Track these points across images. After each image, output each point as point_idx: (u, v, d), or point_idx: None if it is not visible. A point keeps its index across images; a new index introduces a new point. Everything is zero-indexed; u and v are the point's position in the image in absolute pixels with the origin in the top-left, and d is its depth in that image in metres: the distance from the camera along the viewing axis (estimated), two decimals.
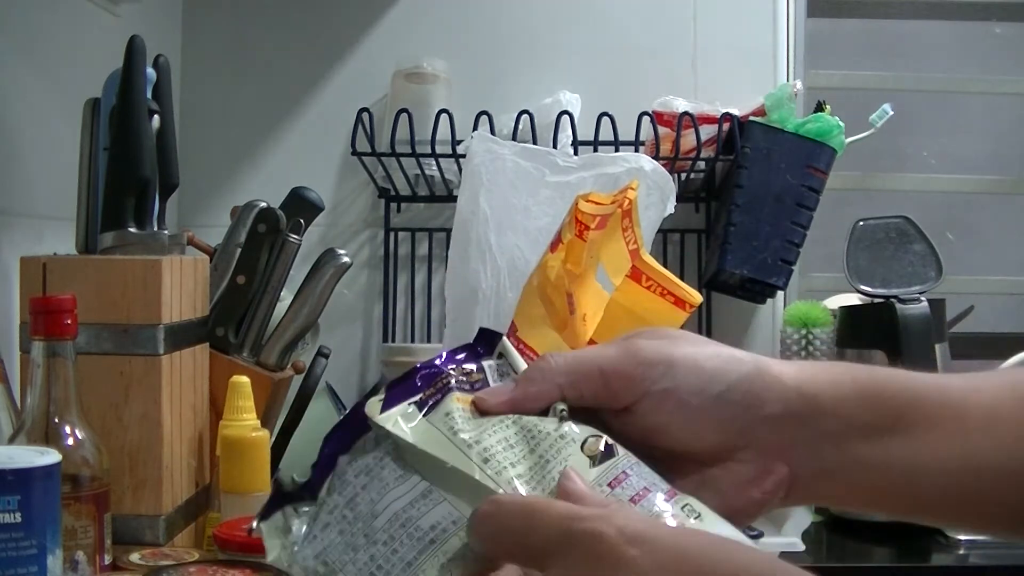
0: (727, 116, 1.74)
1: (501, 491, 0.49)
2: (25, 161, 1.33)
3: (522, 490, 0.49)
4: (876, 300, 1.62)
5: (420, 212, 1.87)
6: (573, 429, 0.52)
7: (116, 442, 0.98)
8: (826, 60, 2.03)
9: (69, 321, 0.87)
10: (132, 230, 1.10)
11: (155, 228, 1.14)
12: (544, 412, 0.53)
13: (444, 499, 0.50)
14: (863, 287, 1.63)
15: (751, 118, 1.74)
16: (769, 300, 1.81)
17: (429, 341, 1.83)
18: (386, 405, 0.53)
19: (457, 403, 0.53)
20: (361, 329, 1.86)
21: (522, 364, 0.56)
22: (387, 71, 1.83)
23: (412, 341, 1.84)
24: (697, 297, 1.17)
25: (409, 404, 0.53)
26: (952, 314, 1.71)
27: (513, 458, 0.51)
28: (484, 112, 1.72)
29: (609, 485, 0.50)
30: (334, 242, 1.78)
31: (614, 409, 0.54)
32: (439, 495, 0.50)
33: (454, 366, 0.55)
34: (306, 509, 0.52)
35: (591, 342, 1.13)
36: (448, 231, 1.65)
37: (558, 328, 1.13)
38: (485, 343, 0.56)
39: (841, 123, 1.71)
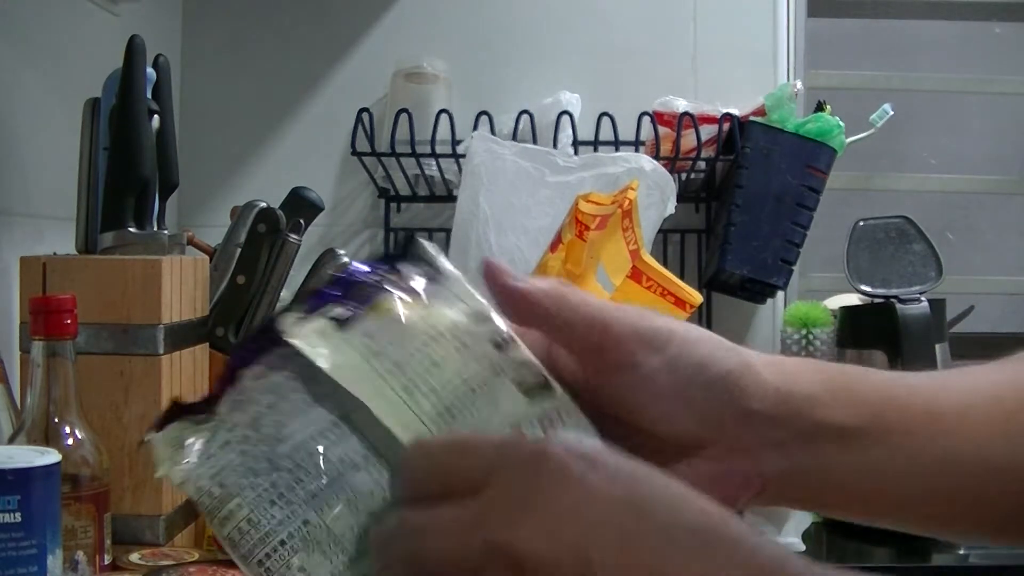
0: (727, 116, 1.74)
1: (421, 426, 0.46)
2: (25, 161, 1.33)
3: (440, 423, 0.46)
4: (876, 300, 1.62)
5: (420, 212, 1.87)
6: (510, 357, 0.48)
7: (116, 442, 0.98)
8: (826, 60, 2.03)
9: (69, 321, 0.87)
10: (132, 230, 1.10)
11: (155, 228, 1.14)
12: (496, 344, 0.49)
13: (356, 432, 0.46)
14: (863, 287, 1.63)
15: (751, 118, 1.73)
16: (769, 300, 1.81)
17: None
18: (302, 319, 0.48)
19: (379, 315, 0.48)
20: None
21: (447, 264, 0.51)
22: (387, 71, 1.83)
23: None
24: (697, 297, 1.17)
25: (327, 318, 0.48)
26: (952, 314, 1.71)
27: (436, 384, 0.47)
28: (484, 112, 1.73)
29: (539, 422, 0.47)
30: (334, 242, 1.78)
31: (596, 373, 0.52)
32: (351, 427, 0.46)
33: (375, 273, 0.49)
34: (204, 425, 0.47)
35: None
36: (448, 231, 1.65)
37: None
38: (402, 248, 0.51)
39: (841, 123, 1.71)
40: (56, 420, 0.87)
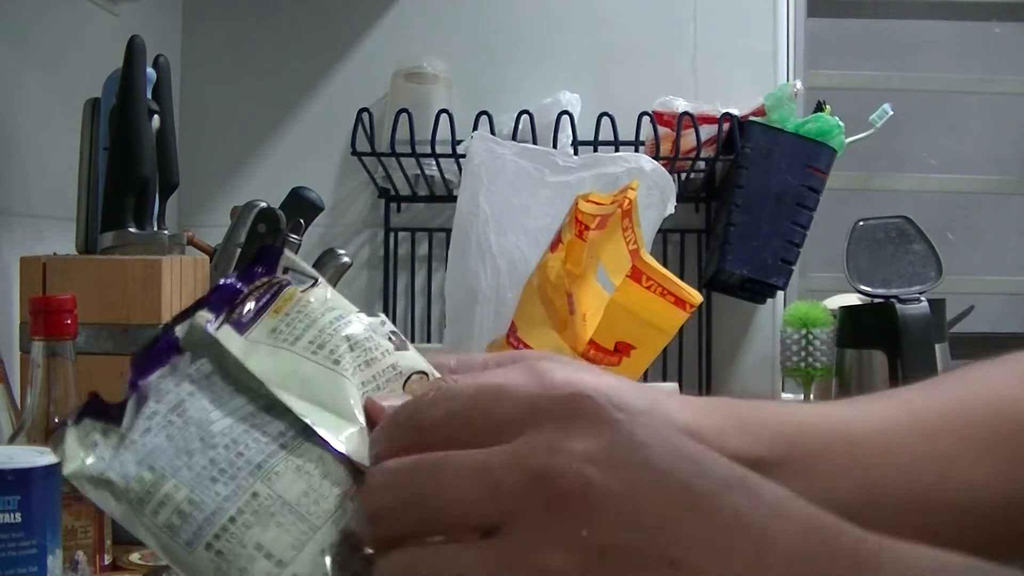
0: (727, 116, 1.74)
1: (354, 390, 0.45)
2: (25, 161, 1.33)
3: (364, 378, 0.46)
4: (876, 300, 1.62)
5: (420, 212, 1.87)
6: (403, 359, 0.48)
7: None
8: (826, 60, 2.03)
9: (69, 321, 0.87)
10: (132, 230, 1.10)
11: (155, 228, 1.14)
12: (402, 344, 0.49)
13: (287, 413, 0.44)
14: (863, 287, 1.63)
15: (751, 118, 1.73)
16: (769, 300, 1.81)
17: (429, 341, 1.83)
18: (212, 321, 0.47)
19: (280, 309, 0.48)
20: None
21: (311, 270, 0.51)
22: (387, 71, 1.83)
23: (412, 341, 1.81)
24: (697, 297, 1.17)
25: (223, 324, 0.47)
26: (952, 314, 1.71)
27: (355, 365, 0.47)
28: (484, 112, 1.72)
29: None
30: (334, 242, 1.78)
31: None
32: (281, 408, 0.44)
33: (252, 283, 0.49)
34: (112, 427, 0.45)
35: (591, 342, 1.13)
36: (448, 231, 1.65)
37: (558, 328, 1.13)
38: (265, 262, 0.50)
39: (841, 123, 1.71)
40: (56, 420, 0.87)
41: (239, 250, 1.23)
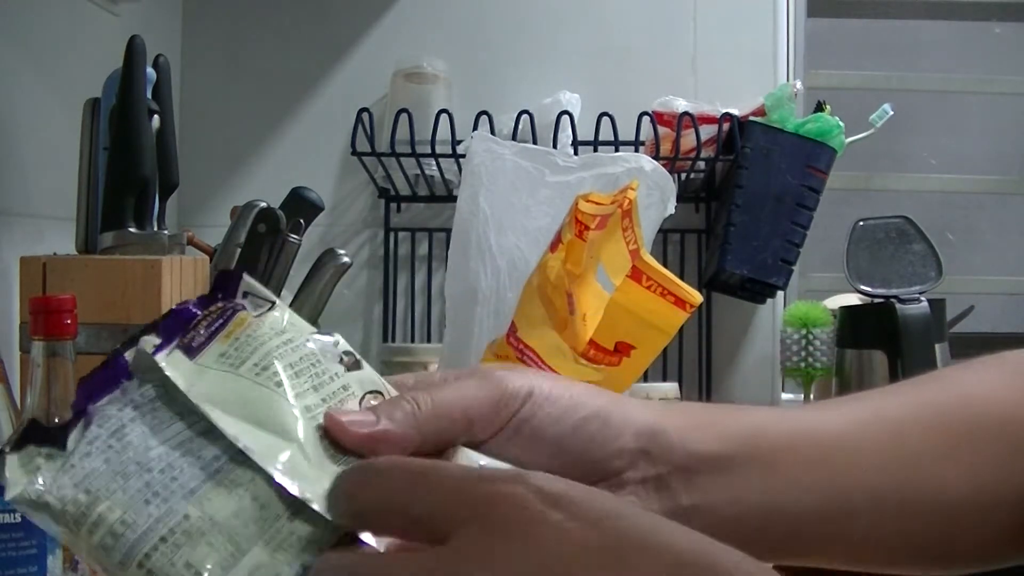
0: (727, 116, 1.74)
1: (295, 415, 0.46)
2: (25, 161, 1.33)
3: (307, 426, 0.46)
4: (876, 300, 1.62)
5: (420, 212, 1.87)
6: (355, 379, 0.49)
7: None
8: (826, 60, 2.03)
9: (69, 321, 0.87)
10: (132, 230, 1.10)
11: (155, 228, 1.14)
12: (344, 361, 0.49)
13: (225, 438, 0.45)
14: (863, 287, 1.63)
15: (751, 118, 1.73)
16: (769, 300, 1.81)
17: (429, 341, 1.83)
18: (159, 349, 0.48)
19: (230, 335, 0.48)
20: (361, 329, 1.86)
21: (269, 294, 0.51)
22: (387, 71, 1.83)
23: (412, 341, 1.84)
24: (697, 297, 1.17)
25: (174, 349, 0.48)
26: (952, 314, 1.71)
27: (301, 389, 0.47)
28: (484, 112, 1.72)
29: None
30: (334, 242, 1.78)
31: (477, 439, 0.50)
32: (218, 434, 0.45)
33: (206, 309, 0.50)
34: (56, 452, 0.45)
35: (591, 342, 1.13)
36: (448, 231, 1.65)
37: (558, 328, 1.13)
38: (224, 288, 0.51)
39: (841, 123, 1.71)
40: (56, 420, 0.87)
41: (239, 250, 1.23)
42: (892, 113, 1.73)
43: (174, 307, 0.49)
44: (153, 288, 1.01)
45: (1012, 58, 2.12)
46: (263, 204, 1.25)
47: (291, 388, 0.47)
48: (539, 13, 1.88)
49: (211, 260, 1.24)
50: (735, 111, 1.75)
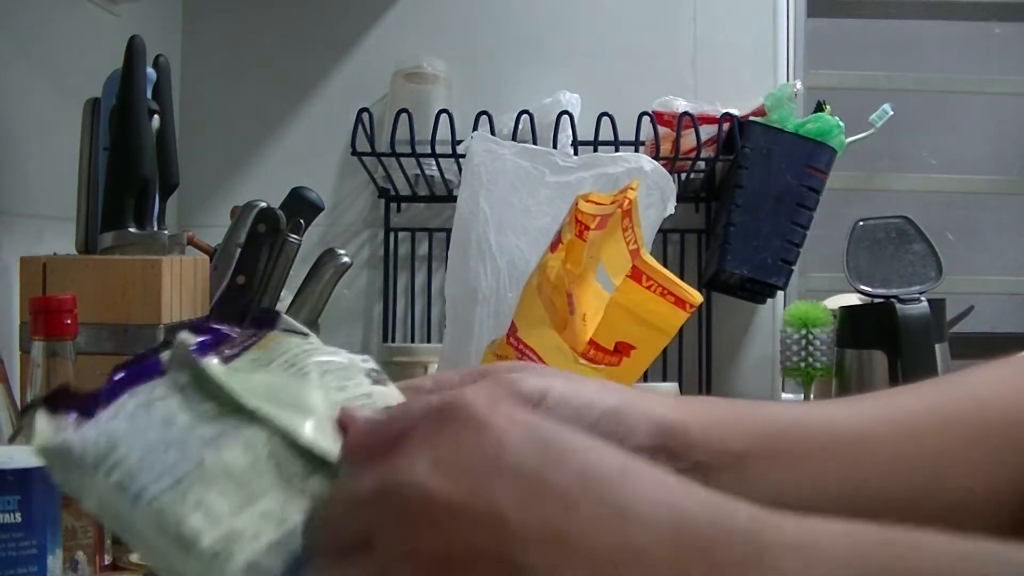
0: (727, 116, 1.74)
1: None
2: (25, 161, 1.33)
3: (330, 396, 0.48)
4: (876, 300, 1.62)
5: (420, 212, 1.87)
6: (379, 393, 0.50)
7: None
8: (826, 60, 2.03)
9: (69, 321, 0.87)
10: (132, 230, 1.10)
11: (155, 228, 1.14)
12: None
13: (251, 416, 0.47)
14: (863, 287, 1.63)
15: (751, 118, 1.73)
16: (769, 300, 1.81)
17: (429, 341, 1.83)
18: (194, 350, 0.50)
19: (263, 345, 0.52)
20: (361, 329, 1.86)
21: (304, 328, 0.54)
22: (387, 71, 1.83)
23: (412, 341, 1.84)
24: (697, 297, 1.17)
25: (208, 354, 0.50)
26: (952, 314, 1.71)
27: (327, 385, 0.49)
28: (484, 112, 1.72)
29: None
30: (334, 242, 1.78)
31: None
32: (246, 415, 0.47)
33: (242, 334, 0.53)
34: (83, 421, 0.48)
35: (591, 342, 1.13)
36: (448, 231, 1.65)
37: (558, 328, 1.13)
38: (261, 324, 0.54)
39: (841, 123, 1.71)
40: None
41: (239, 250, 1.23)
42: (892, 113, 1.73)
43: (213, 324, 0.52)
44: (153, 288, 1.01)
45: (1012, 58, 2.12)
46: (263, 204, 1.26)
47: (318, 380, 0.49)
48: (539, 13, 1.88)
49: (211, 260, 1.24)
50: (735, 111, 1.75)
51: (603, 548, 0.37)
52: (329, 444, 0.46)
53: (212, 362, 0.49)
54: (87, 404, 0.47)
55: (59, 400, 0.47)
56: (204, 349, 0.50)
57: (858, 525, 0.38)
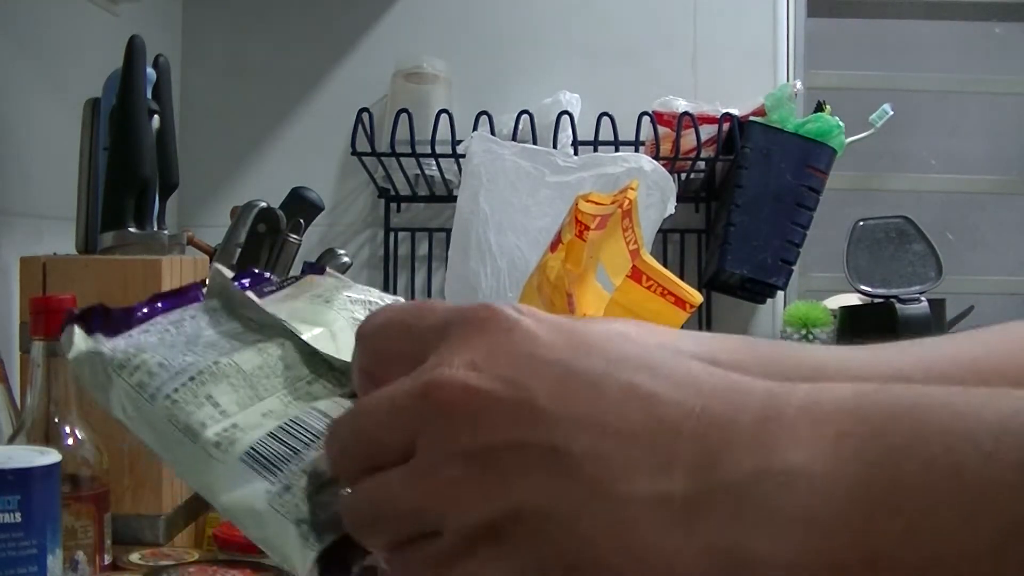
0: (727, 116, 1.74)
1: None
2: (25, 161, 1.33)
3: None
4: (876, 300, 1.62)
5: (420, 212, 1.87)
6: None
7: (116, 442, 0.98)
8: (826, 60, 2.03)
9: None
10: (132, 230, 1.10)
11: (155, 228, 1.14)
12: None
13: (271, 332, 0.50)
14: (863, 287, 1.63)
15: (751, 118, 1.74)
16: (769, 300, 1.81)
17: None
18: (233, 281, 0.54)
19: (292, 289, 0.55)
20: None
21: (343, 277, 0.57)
22: (387, 71, 1.83)
23: None
24: (697, 297, 1.17)
25: (248, 288, 0.53)
26: (952, 314, 1.71)
27: (351, 311, 0.53)
28: (484, 112, 1.73)
29: None
30: (334, 242, 1.78)
31: None
32: (268, 332, 0.50)
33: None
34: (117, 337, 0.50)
35: None
36: (448, 231, 1.65)
37: None
38: (305, 274, 0.58)
39: (841, 123, 1.71)
40: (56, 420, 0.87)
41: (239, 250, 1.23)
42: (892, 113, 1.73)
43: (253, 269, 0.56)
44: (153, 288, 1.01)
45: (1012, 58, 2.12)
46: (263, 204, 1.25)
47: (340, 306, 0.53)
48: (539, 13, 1.88)
49: (211, 260, 1.24)
50: (735, 111, 1.75)
51: (635, 426, 0.38)
52: (336, 352, 0.49)
53: (245, 290, 0.52)
54: (120, 321, 0.50)
55: (94, 316, 0.50)
56: (241, 286, 0.53)
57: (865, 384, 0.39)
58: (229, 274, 0.53)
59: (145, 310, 0.51)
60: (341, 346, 0.49)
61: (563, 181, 1.49)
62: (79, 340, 0.49)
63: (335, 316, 0.52)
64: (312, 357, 0.49)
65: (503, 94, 1.83)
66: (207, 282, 0.53)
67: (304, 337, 0.49)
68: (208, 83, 1.87)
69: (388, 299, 0.55)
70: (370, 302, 0.54)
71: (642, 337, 0.49)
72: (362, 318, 0.49)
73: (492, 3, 1.89)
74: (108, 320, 0.50)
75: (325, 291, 0.54)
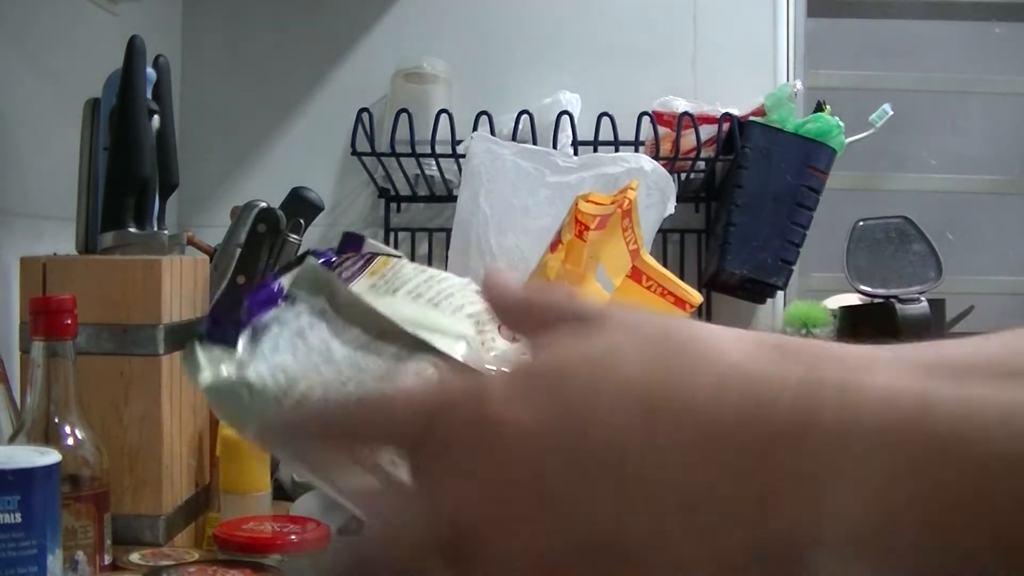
0: (727, 116, 1.74)
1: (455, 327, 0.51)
2: (25, 161, 1.33)
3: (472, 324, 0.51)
4: (876, 300, 1.62)
5: (420, 212, 1.87)
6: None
7: (116, 442, 0.98)
8: (826, 60, 2.03)
9: (69, 321, 0.87)
10: (132, 230, 1.10)
11: (155, 228, 1.14)
12: None
13: (399, 335, 0.50)
14: (863, 287, 1.63)
15: (751, 118, 1.74)
16: (769, 300, 1.81)
17: None
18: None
19: (371, 277, 0.54)
20: None
21: (393, 250, 0.57)
22: (387, 71, 1.83)
23: None
24: (697, 297, 1.17)
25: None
26: (952, 314, 1.71)
27: (450, 306, 0.53)
28: (484, 112, 1.72)
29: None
30: (334, 242, 1.77)
31: None
32: (392, 335, 0.50)
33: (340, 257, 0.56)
34: (229, 349, 0.50)
35: None
36: (448, 231, 1.65)
37: None
38: (350, 248, 0.58)
39: (841, 123, 1.71)
40: (56, 420, 0.87)
41: (239, 250, 1.23)
42: (892, 113, 1.73)
43: (312, 250, 0.55)
44: (153, 288, 1.01)
45: (1012, 58, 2.12)
46: (263, 204, 1.26)
47: (447, 309, 0.52)
48: (539, 13, 1.88)
49: (211, 260, 1.24)
50: (735, 111, 1.75)
51: (688, 442, 0.40)
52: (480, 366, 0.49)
53: (351, 288, 0.52)
54: (233, 336, 0.50)
55: (213, 334, 0.50)
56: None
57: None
58: (328, 272, 0.53)
59: (248, 317, 0.51)
60: (483, 353, 0.50)
61: (563, 181, 1.49)
62: (205, 364, 0.49)
63: (447, 319, 0.52)
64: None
65: (503, 94, 1.83)
66: (287, 278, 0.53)
67: (458, 357, 0.49)
68: (208, 83, 1.87)
69: (462, 282, 0.55)
70: (458, 292, 0.54)
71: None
72: (474, 316, 0.50)
73: (492, 3, 1.89)
74: (220, 333, 0.50)
75: (416, 287, 0.54)
